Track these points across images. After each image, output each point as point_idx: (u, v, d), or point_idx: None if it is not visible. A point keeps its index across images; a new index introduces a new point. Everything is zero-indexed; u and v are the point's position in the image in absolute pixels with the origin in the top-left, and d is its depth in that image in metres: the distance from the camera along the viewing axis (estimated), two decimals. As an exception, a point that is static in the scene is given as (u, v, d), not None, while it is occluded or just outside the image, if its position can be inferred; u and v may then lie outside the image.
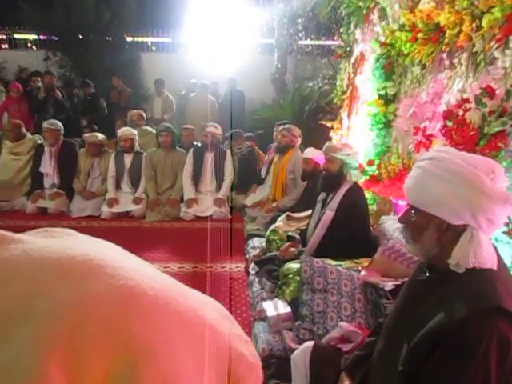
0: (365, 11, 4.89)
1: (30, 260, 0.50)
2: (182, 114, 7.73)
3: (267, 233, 3.40)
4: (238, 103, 7.46)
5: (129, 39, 9.78)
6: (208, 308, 0.54)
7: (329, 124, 5.93)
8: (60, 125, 5.31)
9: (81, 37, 9.27)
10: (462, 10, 2.81)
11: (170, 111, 7.66)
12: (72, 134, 6.04)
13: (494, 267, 1.09)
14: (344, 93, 5.70)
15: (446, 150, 1.21)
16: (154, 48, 10.25)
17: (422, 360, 1.05)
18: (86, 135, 5.40)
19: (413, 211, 1.20)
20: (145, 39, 10.15)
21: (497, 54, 2.60)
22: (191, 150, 5.24)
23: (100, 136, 5.30)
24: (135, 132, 5.31)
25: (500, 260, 1.13)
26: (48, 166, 5.19)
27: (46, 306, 0.45)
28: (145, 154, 5.26)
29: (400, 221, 1.25)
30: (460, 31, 2.90)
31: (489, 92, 2.55)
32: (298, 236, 3.03)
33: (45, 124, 5.24)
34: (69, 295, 0.46)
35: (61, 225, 4.30)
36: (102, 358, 0.43)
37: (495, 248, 1.16)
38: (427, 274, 1.21)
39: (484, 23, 2.58)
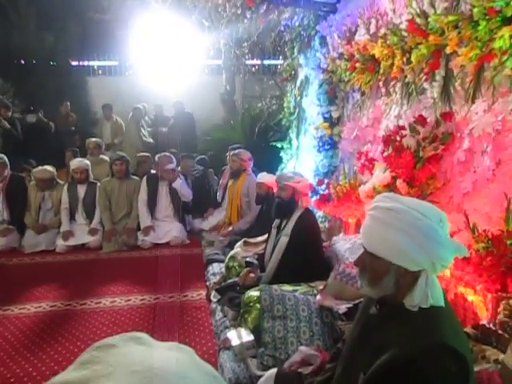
0: (306, 39, 5.14)
1: None
2: None
3: (226, 260, 3.51)
4: (187, 126, 7.51)
5: (74, 63, 9.64)
6: None
7: (279, 144, 6.16)
8: (5, 158, 5.11)
9: (23, 62, 9.06)
10: (393, 45, 3.06)
11: (120, 135, 7.64)
12: (19, 164, 5.86)
13: (443, 304, 1.24)
14: (291, 114, 5.92)
15: (397, 198, 1.29)
16: (100, 72, 10.14)
17: None
18: (34, 170, 5.19)
19: (370, 257, 1.29)
20: (91, 63, 10.02)
21: (426, 85, 2.87)
22: (145, 178, 5.25)
23: (49, 169, 5.13)
24: (89, 163, 5.24)
25: (444, 295, 1.28)
26: (-4, 202, 5.03)
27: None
28: (98, 183, 5.21)
29: (356, 264, 1.35)
30: (393, 63, 3.15)
31: (420, 121, 2.80)
32: (255, 261, 3.15)
33: (-10, 158, 5.00)
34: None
35: (13, 262, 4.17)
36: None
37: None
38: (377, 308, 1.34)
39: (413, 58, 2.82)
